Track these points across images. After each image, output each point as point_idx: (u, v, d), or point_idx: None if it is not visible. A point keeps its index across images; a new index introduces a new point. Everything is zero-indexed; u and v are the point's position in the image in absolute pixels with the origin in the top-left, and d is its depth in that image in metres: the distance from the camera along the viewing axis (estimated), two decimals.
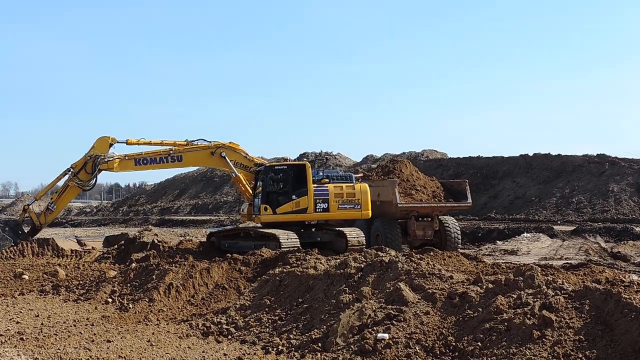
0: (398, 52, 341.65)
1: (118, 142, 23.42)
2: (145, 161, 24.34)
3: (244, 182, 26.71)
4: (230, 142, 26.23)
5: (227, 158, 25.84)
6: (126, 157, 23.70)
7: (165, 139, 25.16)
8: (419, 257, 16.30)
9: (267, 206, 25.65)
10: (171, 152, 24.64)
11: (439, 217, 29.94)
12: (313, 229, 26.72)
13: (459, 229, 30.80)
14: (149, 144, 24.79)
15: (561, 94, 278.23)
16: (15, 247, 28.07)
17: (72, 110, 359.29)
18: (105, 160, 22.83)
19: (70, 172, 22.36)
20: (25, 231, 21.97)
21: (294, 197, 26.01)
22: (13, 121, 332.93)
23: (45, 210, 22.24)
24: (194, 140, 25.59)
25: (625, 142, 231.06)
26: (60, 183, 22.80)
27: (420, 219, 29.47)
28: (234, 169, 26.09)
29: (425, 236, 29.38)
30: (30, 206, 22.46)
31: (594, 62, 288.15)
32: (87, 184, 22.71)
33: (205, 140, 25.85)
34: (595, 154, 56.98)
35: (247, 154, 26.63)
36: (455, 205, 30.62)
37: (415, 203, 29.26)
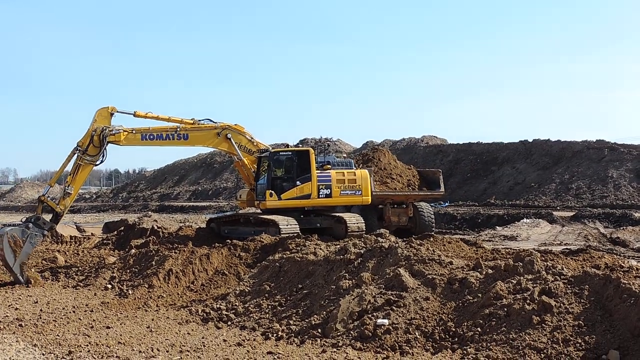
0: (397, 37, 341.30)
1: (118, 112, 23.22)
2: (151, 137, 24.18)
3: (248, 167, 26.66)
4: (235, 124, 26.17)
5: (232, 140, 25.76)
6: (133, 131, 23.53)
7: (173, 116, 25.05)
8: (418, 242, 16.32)
9: (273, 192, 25.65)
10: (178, 129, 24.51)
11: (414, 203, 30.31)
12: (312, 215, 26.73)
13: (433, 215, 31.35)
14: (157, 118, 24.64)
15: (561, 80, 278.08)
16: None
17: (71, 96, 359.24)
18: (113, 132, 22.72)
19: (78, 151, 22.22)
20: (47, 219, 21.89)
21: (298, 183, 26.04)
22: (12, 108, 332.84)
23: (64, 195, 22.16)
24: (200, 120, 25.50)
25: (624, 128, 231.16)
26: (70, 164, 22.60)
27: (395, 205, 29.91)
28: (239, 151, 26.01)
29: (399, 222, 29.93)
30: (46, 195, 22.33)
31: (594, 48, 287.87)
32: (98, 159, 22.61)
33: (211, 121, 25.78)
34: (594, 140, 56.94)
35: (252, 138, 26.52)
36: (428, 193, 31.31)
37: (389, 191, 29.82)
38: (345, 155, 34.39)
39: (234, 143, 25.87)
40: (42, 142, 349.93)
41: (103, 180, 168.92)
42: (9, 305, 16.37)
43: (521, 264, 12.73)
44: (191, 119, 25.34)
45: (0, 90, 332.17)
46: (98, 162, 22.89)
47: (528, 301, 11.08)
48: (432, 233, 27.43)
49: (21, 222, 21.57)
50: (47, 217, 21.74)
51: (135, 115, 23.99)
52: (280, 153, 26.77)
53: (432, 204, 50.48)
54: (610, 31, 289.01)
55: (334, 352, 11.23)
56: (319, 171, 26.42)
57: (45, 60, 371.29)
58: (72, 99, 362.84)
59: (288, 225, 24.11)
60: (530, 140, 60.85)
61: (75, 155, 22.40)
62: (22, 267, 20.23)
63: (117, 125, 23.11)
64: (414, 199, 30.53)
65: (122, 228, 31.20)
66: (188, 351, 11.66)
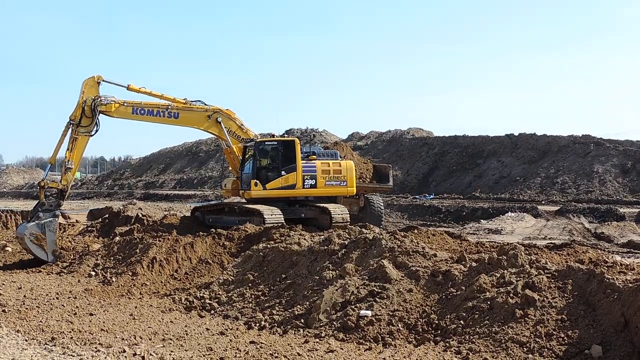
0: (385, 29, 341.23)
1: (107, 81, 23.19)
2: (142, 111, 24.16)
3: (236, 154, 26.59)
4: (227, 109, 26.11)
5: (222, 124, 25.74)
6: (125, 104, 23.56)
7: (165, 94, 25.00)
8: (402, 234, 16.33)
9: (258, 181, 25.60)
10: (169, 107, 24.52)
11: (366, 195, 30.58)
12: (297, 205, 26.70)
13: (382, 206, 31.91)
14: (150, 94, 24.58)
15: (548, 73, 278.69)
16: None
17: (56, 82, 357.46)
18: (104, 102, 22.73)
19: (72, 125, 22.24)
20: (52, 200, 22.11)
21: (283, 173, 25.99)
22: None
23: (65, 170, 22.26)
24: (193, 101, 25.48)
25: (610, 123, 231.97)
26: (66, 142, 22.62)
27: (347, 195, 30.13)
28: (228, 137, 25.97)
29: (351, 211, 30.18)
30: (46, 179, 22.44)
31: (583, 42, 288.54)
32: (92, 129, 22.61)
33: (203, 103, 25.76)
34: (580, 135, 57.07)
35: (242, 124, 26.43)
36: (377, 186, 31.93)
37: None
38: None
39: (223, 128, 25.85)
40: (28, 129, 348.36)
41: (88, 167, 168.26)
42: None
43: (505, 257, 12.75)
44: (183, 99, 25.34)
45: None
46: (93, 132, 22.90)
47: (511, 295, 11.11)
48: (382, 224, 27.99)
49: (31, 216, 21.76)
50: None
51: (128, 88, 23.99)
52: (266, 143, 26.66)
53: (417, 196, 51.12)
54: (599, 25, 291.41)
55: (317, 342, 11.23)
56: (304, 161, 26.37)
57: (31, 46, 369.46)
58: (59, 85, 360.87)
59: (272, 215, 24.07)
60: (516, 134, 60.93)
61: (70, 129, 22.43)
62: (54, 253, 21.12)
63: (109, 96, 23.16)
64: (365, 191, 30.84)
65: (107, 215, 31.15)
66: (171, 339, 11.65)
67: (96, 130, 22.93)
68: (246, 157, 26.72)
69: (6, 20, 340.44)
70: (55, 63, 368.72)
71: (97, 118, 22.78)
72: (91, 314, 13.72)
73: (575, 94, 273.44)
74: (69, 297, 15.50)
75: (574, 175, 50.53)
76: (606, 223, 34.12)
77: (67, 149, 22.41)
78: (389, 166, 33.36)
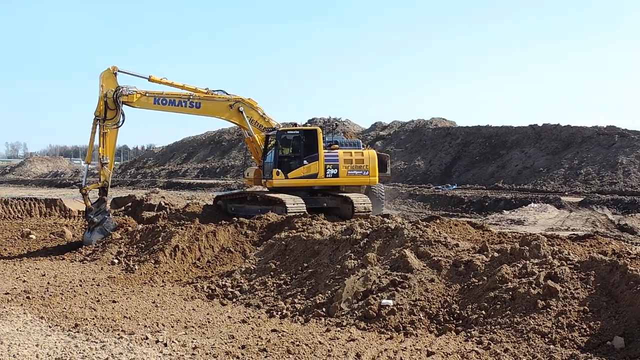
0: (409, 20, 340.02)
1: (120, 71, 23.25)
2: (164, 101, 24.27)
3: (258, 143, 26.66)
4: (249, 99, 26.19)
5: (244, 114, 25.83)
6: (147, 94, 23.67)
7: (187, 84, 25.07)
8: (424, 224, 16.29)
9: (279, 170, 25.65)
10: (191, 97, 24.60)
11: None
12: (319, 195, 26.71)
13: (384, 193, 31.76)
14: (171, 84, 24.68)
15: (572, 64, 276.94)
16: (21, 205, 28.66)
17: (81, 71, 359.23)
18: (125, 93, 22.86)
19: (98, 121, 22.42)
20: (95, 200, 22.46)
21: (305, 162, 26.02)
22: (22, 82, 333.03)
23: (102, 166, 22.53)
24: (214, 91, 25.54)
25: (635, 114, 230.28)
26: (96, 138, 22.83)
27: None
28: (250, 126, 26.05)
29: None
30: (86, 186, 22.75)
31: (609, 33, 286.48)
32: (118, 120, 22.79)
33: (225, 93, 25.82)
34: (605, 126, 56.59)
35: (264, 113, 26.51)
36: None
37: None
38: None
39: (245, 117, 25.94)
40: (52, 117, 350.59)
41: None
42: (17, 278, 16.47)
43: (527, 248, 12.70)
44: (205, 89, 25.39)
45: (11, 65, 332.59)
46: (120, 124, 23.05)
47: (533, 285, 11.06)
48: (382, 210, 27.96)
49: (88, 225, 22.08)
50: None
51: (150, 79, 24.07)
52: (288, 132, 26.71)
53: (439, 186, 51.10)
54: (626, 16, 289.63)
55: (338, 331, 11.25)
56: (326, 151, 26.37)
57: (56, 36, 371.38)
58: (82, 75, 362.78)
59: (295, 204, 24.10)
60: (540, 124, 60.52)
61: (97, 125, 22.59)
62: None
63: (130, 86, 23.27)
64: None
65: (130, 204, 31.32)
66: (193, 327, 11.71)
67: (123, 121, 23.09)
68: (268, 146, 26.78)
69: (32, 12, 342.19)
70: (78, 54, 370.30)
71: (121, 108, 22.92)
72: (114, 301, 13.81)
73: (599, 84, 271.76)
74: (92, 285, 15.61)
75: (597, 167, 50.14)
76: (630, 215, 33.87)
77: (99, 145, 22.60)
78: (388, 155, 33.39)
